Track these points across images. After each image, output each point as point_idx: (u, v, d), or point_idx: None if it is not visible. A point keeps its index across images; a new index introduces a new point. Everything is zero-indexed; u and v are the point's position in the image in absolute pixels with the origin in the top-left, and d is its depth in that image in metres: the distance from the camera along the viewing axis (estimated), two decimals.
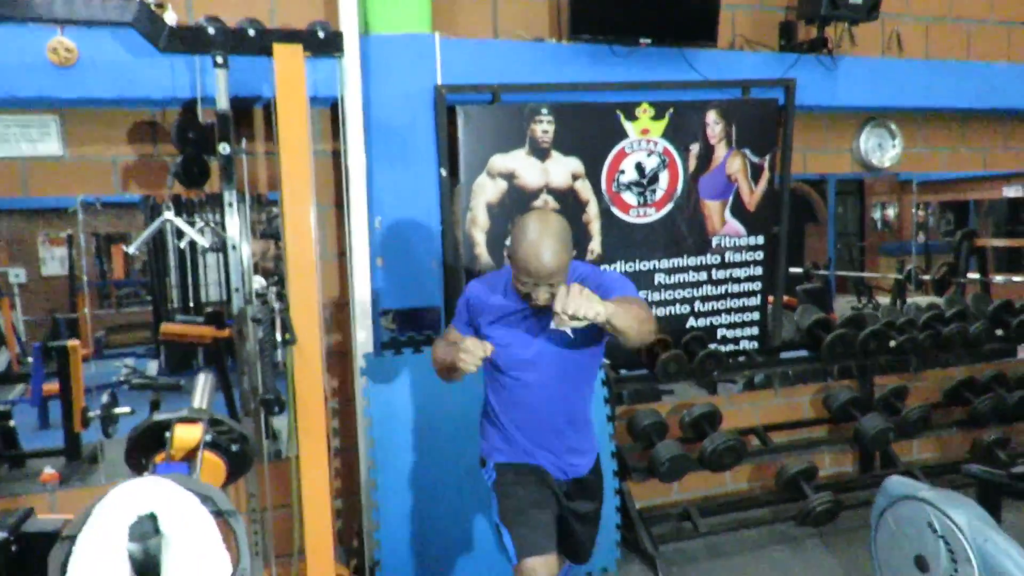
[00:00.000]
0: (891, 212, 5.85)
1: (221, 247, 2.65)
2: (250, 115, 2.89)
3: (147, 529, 0.91)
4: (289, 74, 2.39)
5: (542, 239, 1.88)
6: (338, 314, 3.10)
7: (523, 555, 2.03)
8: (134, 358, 3.66)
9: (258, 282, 2.95)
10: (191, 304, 3.70)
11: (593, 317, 1.75)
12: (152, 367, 3.66)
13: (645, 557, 3.16)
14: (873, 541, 2.78)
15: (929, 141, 4.03)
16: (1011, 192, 4.75)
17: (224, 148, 2.40)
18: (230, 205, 2.47)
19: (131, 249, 2.63)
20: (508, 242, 2.06)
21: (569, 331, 2.00)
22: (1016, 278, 4.87)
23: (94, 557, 0.86)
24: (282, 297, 2.51)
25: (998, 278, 5.09)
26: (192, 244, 3.19)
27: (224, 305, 3.58)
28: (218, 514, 1.14)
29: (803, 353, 3.84)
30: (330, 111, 3.00)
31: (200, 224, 2.93)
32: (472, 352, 1.93)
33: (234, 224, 2.48)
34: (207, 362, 3.77)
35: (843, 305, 5.60)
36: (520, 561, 2.04)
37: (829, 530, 3.43)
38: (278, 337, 2.28)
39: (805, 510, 3.33)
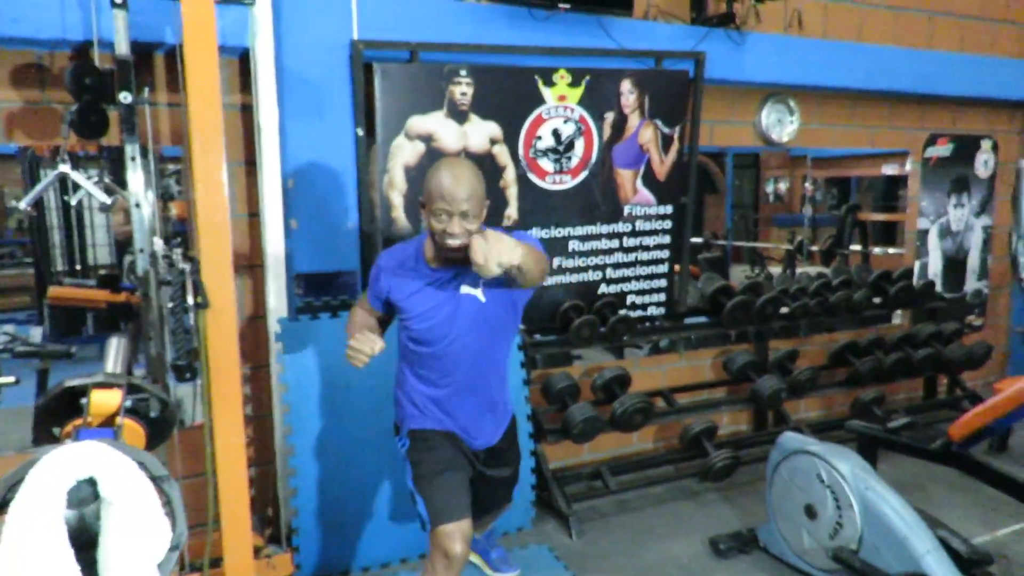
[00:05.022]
0: (783, 186, 6.17)
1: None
2: (150, 62, 2.70)
3: (86, 494, 0.86)
4: (198, 15, 2.22)
5: (456, 166, 2.00)
6: (249, 277, 2.98)
7: (437, 522, 2.05)
8: (14, 325, 3.38)
9: (157, 244, 2.76)
10: (78, 267, 3.45)
11: (511, 260, 1.77)
12: (36, 334, 3.39)
13: (559, 515, 3.25)
14: (768, 492, 2.96)
15: (823, 119, 4.25)
16: (889, 170, 5.10)
17: (126, 97, 2.23)
18: (132, 159, 2.30)
19: (22, 204, 2.40)
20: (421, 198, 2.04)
21: (481, 295, 2.04)
22: (891, 250, 5.25)
23: (30, 524, 0.80)
24: (189, 259, 2.37)
25: (876, 250, 5.49)
26: (80, 202, 2.95)
27: (116, 268, 3.36)
28: (151, 479, 1.09)
29: (704, 319, 4.01)
30: (239, 62, 2.83)
31: (94, 179, 2.70)
32: (360, 349, 1.93)
33: (137, 180, 2.32)
34: (99, 328, 3.54)
35: (737, 273, 5.88)
36: (435, 527, 2.05)
37: (727, 484, 3.62)
38: (189, 300, 2.16)
39: (706, 466, 3.51)
